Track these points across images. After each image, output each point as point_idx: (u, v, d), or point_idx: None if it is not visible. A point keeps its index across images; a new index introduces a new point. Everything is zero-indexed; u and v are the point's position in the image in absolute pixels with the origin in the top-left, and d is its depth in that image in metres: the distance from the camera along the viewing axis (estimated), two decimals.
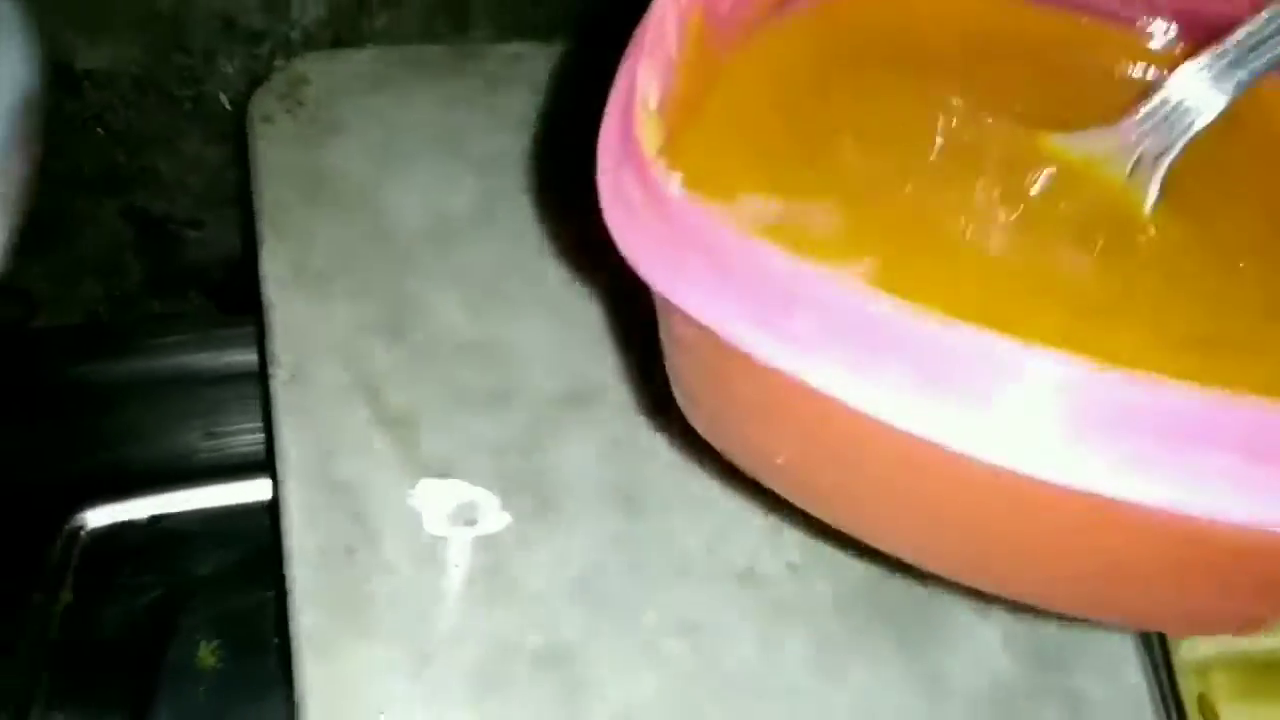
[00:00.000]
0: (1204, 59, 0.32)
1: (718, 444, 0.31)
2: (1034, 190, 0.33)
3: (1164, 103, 0.33)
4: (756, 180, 0.30)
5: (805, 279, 0.23)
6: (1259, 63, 0.31)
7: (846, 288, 0.22)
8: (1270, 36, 0.31)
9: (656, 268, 0.25)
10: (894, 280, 0.28)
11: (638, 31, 0.28)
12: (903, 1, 0.38)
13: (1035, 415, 0.22)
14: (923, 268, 0.29)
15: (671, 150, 0.27)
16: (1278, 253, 0.32)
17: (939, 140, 0.34)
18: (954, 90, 0.35)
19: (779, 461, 0.29)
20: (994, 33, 0.38)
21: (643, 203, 0.25)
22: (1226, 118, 0.32)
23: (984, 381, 0.22)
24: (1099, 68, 0.38)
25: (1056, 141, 0.34)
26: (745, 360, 0.23)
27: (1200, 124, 0.32)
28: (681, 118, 0.30)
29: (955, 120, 0.35)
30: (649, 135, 0.26)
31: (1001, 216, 0.32)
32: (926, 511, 0.27)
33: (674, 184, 0.25)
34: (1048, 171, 0.33)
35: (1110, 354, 0.24)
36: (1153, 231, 0.32)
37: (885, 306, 0.22)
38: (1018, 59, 0.38)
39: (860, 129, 0.33)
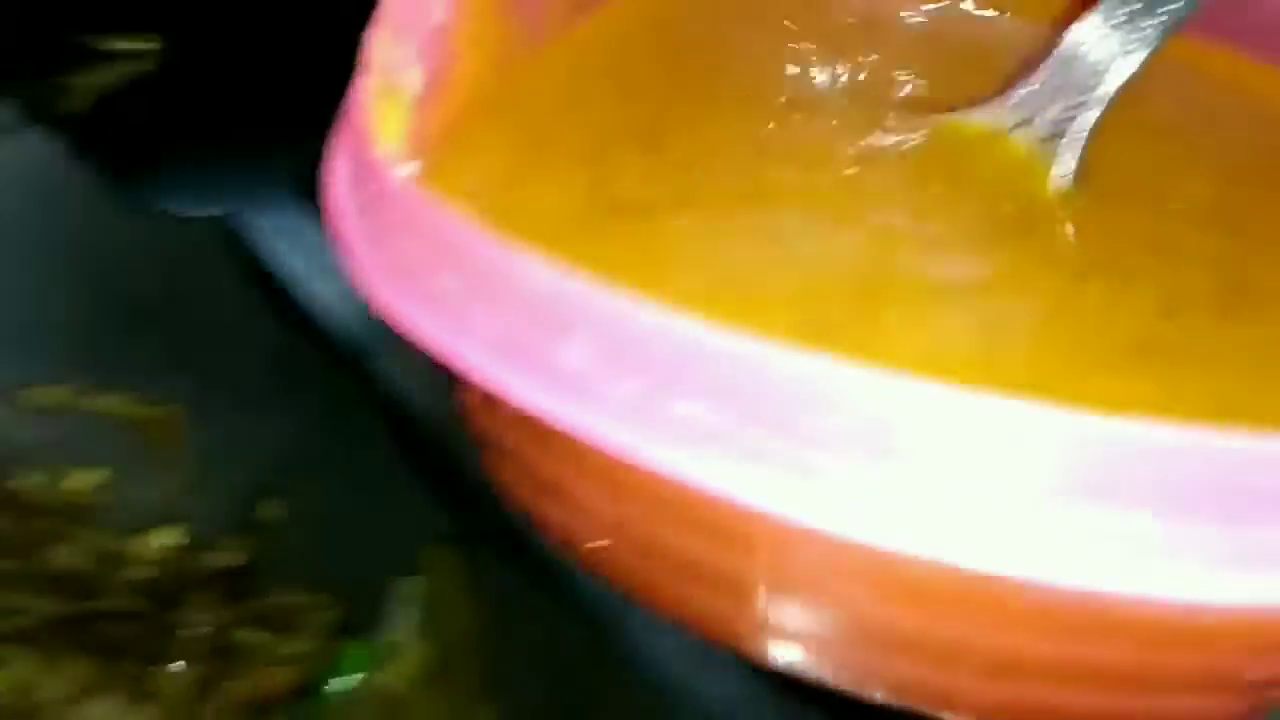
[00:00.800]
0: (1085, 25, 0.27)
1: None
2: (920, 175, 0.28)
3: (1069, 61, 0.27)
4: (573, 175, 0.25)
5: (577, 295, 0.17)
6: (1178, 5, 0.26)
7: (638, 306, 0.16)
8: None
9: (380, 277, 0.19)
10: (744, 303, 0.22)
11: None
12: None
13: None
14: (774, 277, 0.24)
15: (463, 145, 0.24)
16: (1226, 230, 0.27)
17: (806, 120, 0.29)
18: (831, 61, 0.31)
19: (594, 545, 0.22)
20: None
21: (370, 206, 0.20)
22: (1148, 74, 0.27)
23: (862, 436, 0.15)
24: (1011, 33, 0.32)
25: (951, 119, 0.29)
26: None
27: (1114, 83, 0.27)
28: (479, 103, 0.25)
29: (829, 95, 0.30)
30: (379, 116, 0.20)
31: (879, 209, 0.27)
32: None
33: (402, 173, 0.19)
34: (939, 154, 0.28)
35: (1031, 375, 0.21)
36: (1069, 217, 0.27)
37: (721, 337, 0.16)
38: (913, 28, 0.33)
39: (713, 107, 0.29)
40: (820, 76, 0.31)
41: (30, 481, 0.47)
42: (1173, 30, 0.26)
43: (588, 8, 0.30)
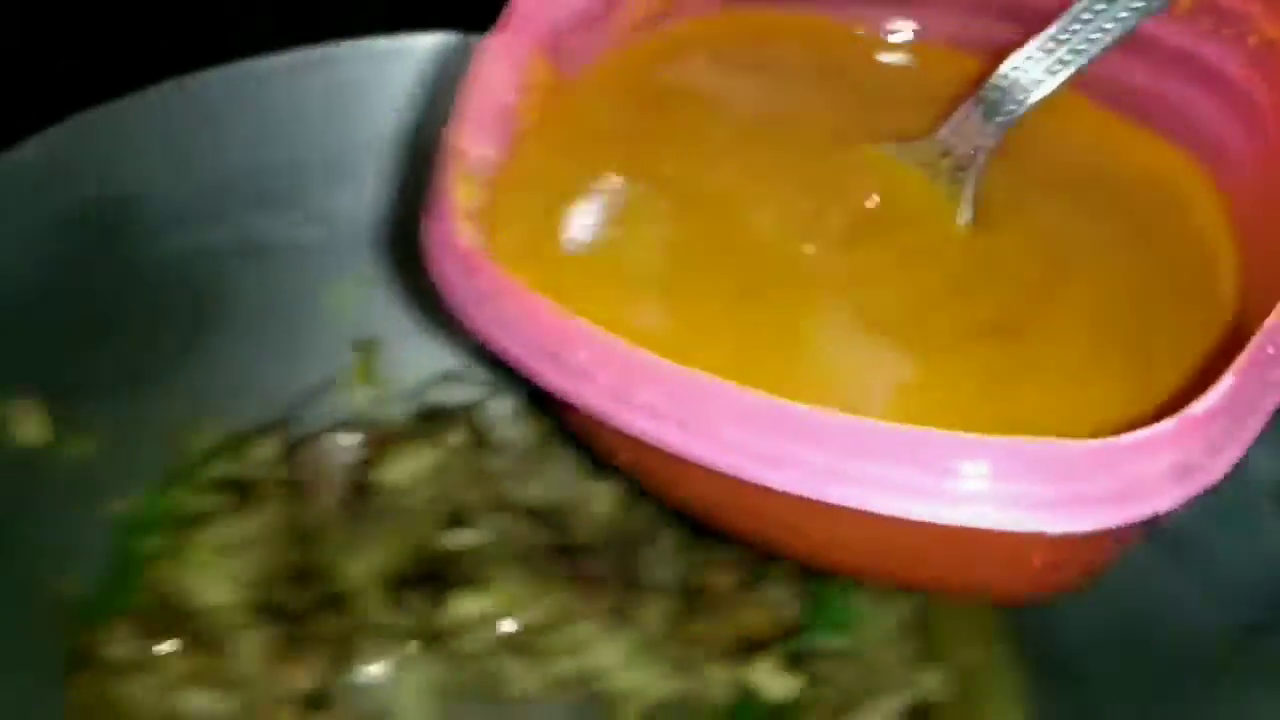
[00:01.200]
0: (1015, 58, 0.31)
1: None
2: (849, 205, 0.33)
3: (995, 92, 0.32)
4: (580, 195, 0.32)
5: (575, 331, 0.26)
6: (1084, 53, 0.30)
7: (624, 349, 0.25)
8: (1081, 29, 0.31)
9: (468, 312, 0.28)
10: (693, 317, 0.30)
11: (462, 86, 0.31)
12: (760, 28, 0.38)
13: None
14: (726, 291, 0.30)
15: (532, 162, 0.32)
16: (1046, 272, 0.32)
17: (764, 152, 0.34)
18: (794, 102, 0.36)
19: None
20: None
21: (448, 257, 0.28)
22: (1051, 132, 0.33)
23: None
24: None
25: (883, 152, 0.34)
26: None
27: (1027, 105, 0.31)
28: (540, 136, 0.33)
29: (789, 132, 0.35)
30: (456, 197, 0.29)
31: (813, 233, 0.32)
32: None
33: (469, 241, 0.28)
34: (867, 185, 0.33)
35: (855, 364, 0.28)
36: (953, 243, 0.32)
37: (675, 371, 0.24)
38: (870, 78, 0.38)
39: (687, 137, 0.34)
40: (786, 115, 0.36)
41: (498, 418, 0.52)
42: (1094, 56, 0.31)
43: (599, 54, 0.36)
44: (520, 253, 0.31)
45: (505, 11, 0.33)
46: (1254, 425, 0.23)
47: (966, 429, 0.24)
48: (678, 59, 0.37)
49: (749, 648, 0.44)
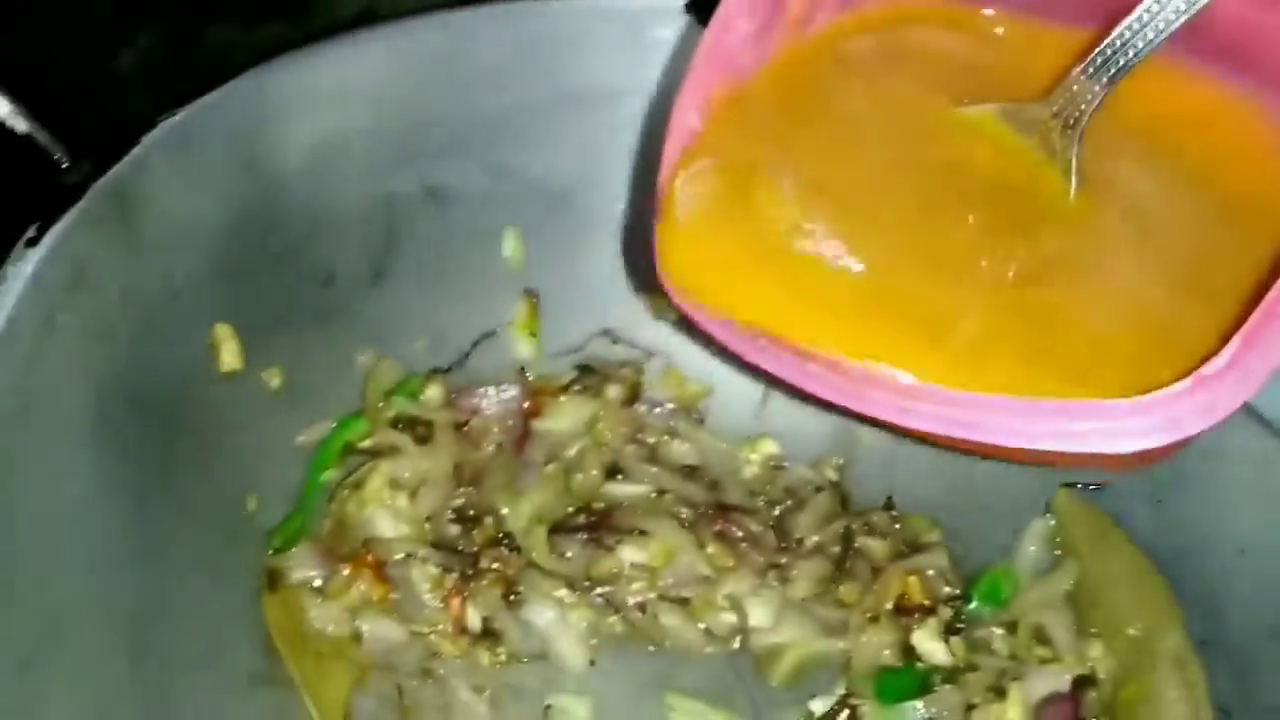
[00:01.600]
0: (1120, 27, 0.34)
1: None
2: (965, 172, 0.37)
3: (1084, 68, 0.35)
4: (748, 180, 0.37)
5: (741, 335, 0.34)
6: (1186, 10, 0.33)
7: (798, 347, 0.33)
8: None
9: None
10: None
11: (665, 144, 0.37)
12: (884, 19, 0.41)
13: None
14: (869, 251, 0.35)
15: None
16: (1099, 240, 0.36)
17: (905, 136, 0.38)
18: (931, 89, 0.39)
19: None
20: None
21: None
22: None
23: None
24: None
25: (997, 116, 0.38)
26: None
27: (1100, 92, 0.35)
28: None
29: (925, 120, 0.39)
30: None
31: (937, 205, 0.36)
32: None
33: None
34: (982, 150, 0.37)
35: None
36: (1057, 201, 0.36)
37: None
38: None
39: (835, 119, 0.39)
40: (909, 92, 0.39)
41: (651, 379, 0.53)
42: (1189, 16, 0.33)
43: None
44: (696, 232, 0.37)
45: (693, 60, 0.37)
46: (1262, 374, 0.29)
47: (1026, 358, 0.32)
48: (818, 56, 0.41)
49: (903, 613, 0.46)
